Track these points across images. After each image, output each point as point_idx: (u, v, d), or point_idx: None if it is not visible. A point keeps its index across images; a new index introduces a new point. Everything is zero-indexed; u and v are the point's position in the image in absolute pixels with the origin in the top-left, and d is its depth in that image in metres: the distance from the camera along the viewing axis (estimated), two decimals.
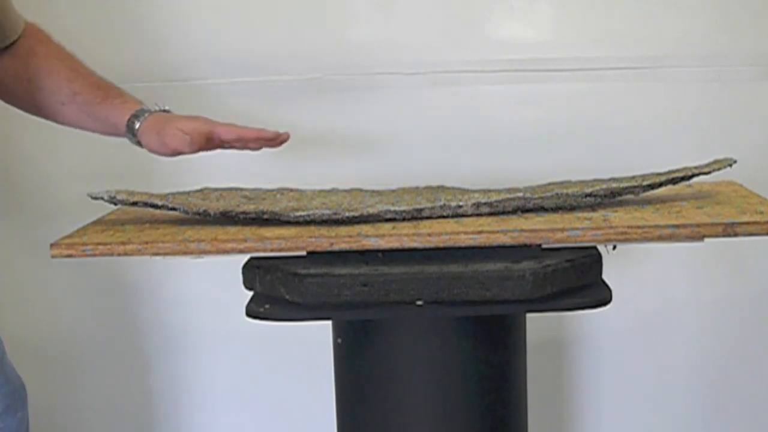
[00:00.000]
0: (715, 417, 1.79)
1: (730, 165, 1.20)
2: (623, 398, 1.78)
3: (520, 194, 1.15)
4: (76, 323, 1.77)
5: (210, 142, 1.21)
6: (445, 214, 1.14)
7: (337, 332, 1.21)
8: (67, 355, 1.79)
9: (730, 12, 1.59)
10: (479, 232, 1.06)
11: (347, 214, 1.12)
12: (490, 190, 1.23)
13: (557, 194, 1.15)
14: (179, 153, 1.21)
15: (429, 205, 1.14)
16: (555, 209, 1.16)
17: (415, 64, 1.62)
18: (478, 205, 1.14)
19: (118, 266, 1.72)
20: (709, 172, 1.19)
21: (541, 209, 1.16)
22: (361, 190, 1.31)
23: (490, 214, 1.15)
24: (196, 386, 1.80)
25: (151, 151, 1.22)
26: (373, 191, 1.31)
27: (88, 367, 1.80)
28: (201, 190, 1.28)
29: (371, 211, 1.13)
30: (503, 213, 1.15)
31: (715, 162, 1.21)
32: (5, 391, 1.20)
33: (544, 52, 1.61)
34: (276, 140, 1.23)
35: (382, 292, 1.04)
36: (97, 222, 1.23)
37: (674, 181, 1.19)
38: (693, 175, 1.19)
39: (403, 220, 1.13)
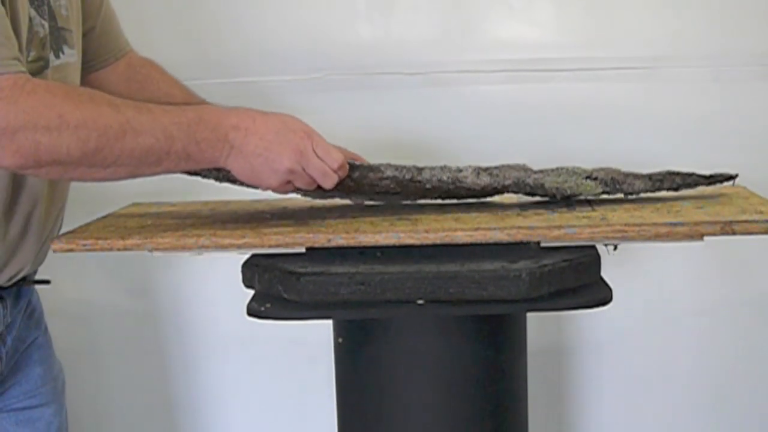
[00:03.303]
0: (716, 416, 1.79)
1: (732, 179, 1.20)
2: (623, 398, 1.78)
3: (521, 164, 1.14)
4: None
5: None
6: (445, 177, 1.13)
7: (338, 332, 1.21)
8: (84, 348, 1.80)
9: (730, 12, 1.59)
10: (476, 229, 1.06)
11: (349, 162, 1.10)
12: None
13: (558, 169, 1.14)
14: None
15: (430, 165, 1.13)
16: (554, 191, 1.15)
17: (415, 64, 1.63)
18: (478, 171, 1.14)
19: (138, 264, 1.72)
20: (708, 184, 1.19)
21: (541, 187, 1.14)
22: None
23: (491, 194, 1.14)
24: (199, 386, 1.81)
25: None
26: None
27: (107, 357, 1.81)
28: None
29: (373, 164, 1.12)
30: (503, 188, 1.14)
31: (718, 175, 1.20)
32: (61, 377, 1.28)
33: (545, 52, 1.62)
34: None
35: (379, 291, 1.04)
36: (101, 219, 1.23)
37: (677, 188, 1.18)
38: (696, 184, 1.19)
39: (403, 180, 1.12)
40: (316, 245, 1.06)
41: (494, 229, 1.06)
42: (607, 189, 1.16)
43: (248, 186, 1.07)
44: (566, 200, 1.20)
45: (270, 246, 1.05)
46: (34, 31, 1.03)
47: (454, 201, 1.22)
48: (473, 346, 1.15)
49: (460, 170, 1.13)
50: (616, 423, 1.80)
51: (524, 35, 1.63)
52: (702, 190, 1.26)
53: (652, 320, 1.74)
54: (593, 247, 1.12)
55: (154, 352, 1.79)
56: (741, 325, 1.74)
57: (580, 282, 1.11)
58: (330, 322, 1.20)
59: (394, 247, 1.07)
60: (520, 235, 1.06)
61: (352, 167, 1.10)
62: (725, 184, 1.21)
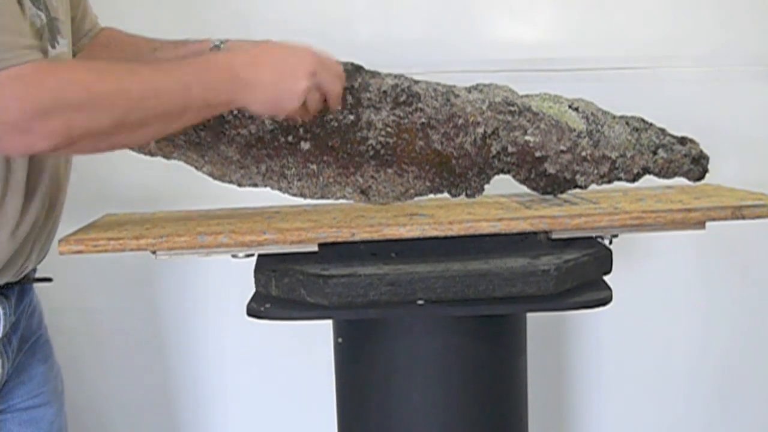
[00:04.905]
0: (715, 415, 1.81)
1: (702, 159, 1.17)
2: (623, 397, 1.79)
3: (506, 85, 1.14)
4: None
5: None
6: (440, 88, 1.12)
7: (338, 332, 1.20)
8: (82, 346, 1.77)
9: (730, 12, 1.62)
10: (500, 219, 1.06)
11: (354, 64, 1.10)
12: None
13: (542, 94, 1.14)
14: None
15: (425, 79, 1.13)
16: (541, 115, 1.13)
17: (415, 64, 1.62)
18: (469, 89, 1.13)
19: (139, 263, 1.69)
20: (684, 155, 1.16)
21: (528, 109, 1.13)
22: None
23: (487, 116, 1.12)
24: (199, 386, 1.79)
25: None
26: None
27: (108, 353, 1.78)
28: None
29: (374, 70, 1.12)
30: (495, 107, 1.12)
31: (690, 141, 1.18)
32: (60, 378, 1.28)
33: (544, 52, 1.63)
34: None
35: (410, 291, 1.02)
36: (94, 224, 1.20)
37: (655, 151, 1.15)
38: (670, 146, 1.16)
39: (402, 91, 1.11)
40: (340, 240, 1.05)
41: (518, 218, 1.06)
42: (590, 127, 1.15)
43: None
44: (562, 186, 1.18)
45: (292, 242, 1.04)
46: (31, 21, 1.02)
47: (453, 201, 1.21)
48: (473, 346, 1.15)
49: (453, 86, 1.13)
50: (616, 423, 1.80)
51: (524, 35, 1.64)
52: (683, 186, 1.27)
53: (652, 320, 1.75)
54: (596, 240, 1.13)
55: (154, 352, 1.76)
56: (740, 324, 1.76)
57: (597, 276, 1.12)
58: (330, 322, 1.19)
59: (405, 246, 1.07)
60: (542, 225, 1.06)
61: (357, 69, 1.11)
62: (701, 182, 1.20)
